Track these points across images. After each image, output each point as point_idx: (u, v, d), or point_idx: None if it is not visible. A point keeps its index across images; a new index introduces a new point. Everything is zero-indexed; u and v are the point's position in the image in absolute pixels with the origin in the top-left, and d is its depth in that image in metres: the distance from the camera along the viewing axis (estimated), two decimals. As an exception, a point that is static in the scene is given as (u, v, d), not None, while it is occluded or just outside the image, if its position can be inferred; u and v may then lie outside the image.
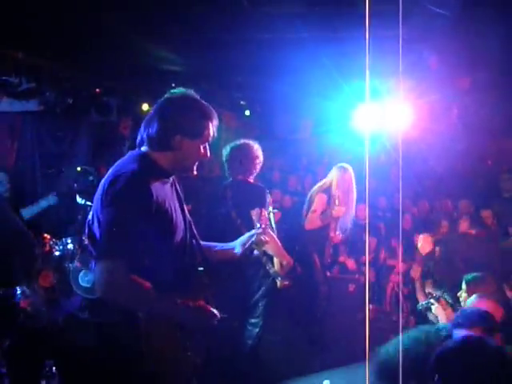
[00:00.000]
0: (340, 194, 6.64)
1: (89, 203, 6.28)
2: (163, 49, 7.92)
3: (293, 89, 8.35)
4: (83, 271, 5.67)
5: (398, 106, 6.13)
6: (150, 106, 9.84)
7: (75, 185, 6.54)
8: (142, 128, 3.07)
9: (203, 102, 3.11)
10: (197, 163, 3.09)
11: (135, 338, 2.75)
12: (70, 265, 5.70)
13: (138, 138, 3.09)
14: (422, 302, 5.31)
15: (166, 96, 3.09)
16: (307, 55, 6.77)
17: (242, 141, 5.44)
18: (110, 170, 2.96)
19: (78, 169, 8.00)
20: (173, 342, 2.87)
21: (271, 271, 5.35)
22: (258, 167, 5.43)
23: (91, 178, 7.75)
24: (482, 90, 8.18)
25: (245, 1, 5.99)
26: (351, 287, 7.01)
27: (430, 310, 4.71)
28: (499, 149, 9.73)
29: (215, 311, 2.98)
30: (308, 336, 6.81)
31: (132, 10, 6.27)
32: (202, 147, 3.03)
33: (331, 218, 6.63)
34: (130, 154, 3.09)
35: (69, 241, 5.87)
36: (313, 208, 6.69)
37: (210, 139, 3.08)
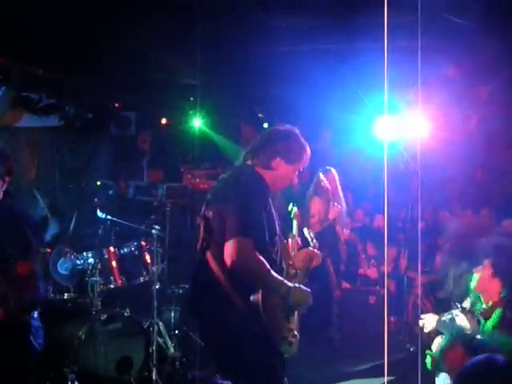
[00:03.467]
0: (328, 193, 6.85)
1: (109, 217, 6.31)
2: (181, 63, 7.96)
3: (311, 100, 8.36)
4: (62, 259, 5.77)
5: (417, 117, 6.11)
6: (168, 120, 9.92)
7: (95, 199, 6.57)
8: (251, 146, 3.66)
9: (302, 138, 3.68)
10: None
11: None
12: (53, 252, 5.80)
13: (243, 153, 3.67)
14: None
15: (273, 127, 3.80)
16: (325, 67, 6.77)
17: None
18: (228, 175, 3.56)
19: (98, 183, 8.06)
20: (279, 313, 3.35)
21: None
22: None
23: (111, 191, 7.80)
24: (501, 101, 8.13)
25: (263, 13, 6.02)
26: (372, 299, 6.96)
27: (454, 320, 4.65)
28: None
29: (309, 291, 3.43)
30: (327, 345, 6.80)
31: (150, 24, 6.32)
32: (294, 173, 3.63)
33: (329, 221, 6.79)
34: (236, 165, 3.69)
35: (89, 255, 5.89)
36: (312, 213, 6.87)
37: (301, 168, 3.67)
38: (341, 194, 7.16)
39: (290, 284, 3.37)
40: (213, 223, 3.42)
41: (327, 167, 7.22)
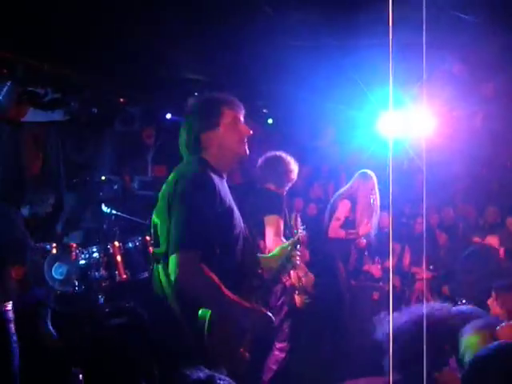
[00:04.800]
0: (363, 202, 6.57)
1: (114, 212, 6.33)
2: (185, 58, 7.96)
3: (315, 96, 8.35)
4: (57, 263, 5.73)
5: (422, 113, 6.10)
6: (172, 115, 9.92)
7: (100, 194, 6.59)
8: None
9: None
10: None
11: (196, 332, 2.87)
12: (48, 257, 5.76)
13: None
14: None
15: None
16: (329, 62, 6.78)
17: (279, 153, 5.42)
18: (171, 175, 3.17)
19: (103, 178, 8.07)
20: (229, 336, 2.97)
21: (287, 283, 5.09)
22: (291, 181, 5.38)
23: (116, 186, 7.82)
24: (506, 97, 8.11)
25: (268, 9, 6.01)
26: (375, 295, 6.95)
27: None
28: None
29: (270, 314, 3.08)
30: (333, 346, 6.75)
31: (155, 20, 6.32)
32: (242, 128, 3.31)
33: (358, 235, 6.56)
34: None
35: (94, 249, 5.91)
36: (336, 215, 6.61)
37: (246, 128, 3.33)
38: (376, 203, 6.73)
39: (246, 305, 3.01)
40: (160, 231, 3.07)
41: (368, 172, 6.78)
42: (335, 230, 6.56)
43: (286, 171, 5.29)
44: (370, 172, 6.70)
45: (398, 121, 5.97)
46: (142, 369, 2.87)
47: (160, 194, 3.17)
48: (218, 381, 1.94)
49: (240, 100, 3.47)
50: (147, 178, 9.28)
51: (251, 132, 3.32)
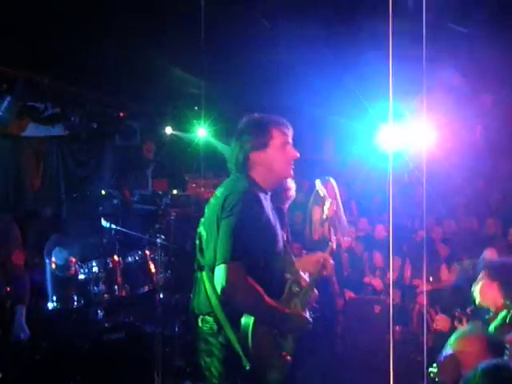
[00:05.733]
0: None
1: (113, 226, 6.31)
2: (186, 72, 7.98)
3: (316, 110, 8.36)
4: (58, 248, 5.70)
5: (422, 126, 6.10)
6: (173, 129, 9.93)
7: (100, 208, 6.58)
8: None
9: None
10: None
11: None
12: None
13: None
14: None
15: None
16: (330, 76, 6.78)
17: None
18: (219, 190, 3.31)
19: (103, 192, 8.07)
20: (271, 341, 3.15)
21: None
22: (290, 199, 5.44)
23: (116, 201, 7.80)
24: (505, 108, 8.12)
25: (265, 22, 6.03)
26: (377, 308, 6.93)
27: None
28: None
29: (309, 318, 3.28)
30: (332, 355, 6.74)
31: (155, 35, 6.35)
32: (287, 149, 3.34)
33: (328, 219, 6.72)
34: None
35: (94, 264, 5.88)
36: (314, 220, 6.85)
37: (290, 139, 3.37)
38: (340, 203, 7.07)
39: (286, 311, 3.18)
40: (207, 242, 3.22)
41: (326, 177, 7.16)
42: (315, 231, 6.73)
43: (284, 190, 5.36)
44: (327, 177, 6.99)
45: (398, 133, 5.96)
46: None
47: (207, 208, 3.33)
48: None
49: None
50: (147, 193, 9.27)
51: (298, 155, 3.39)
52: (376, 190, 9.52)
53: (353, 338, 6.96)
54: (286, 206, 5.43)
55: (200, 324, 3.23)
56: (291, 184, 5.41)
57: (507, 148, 8.87)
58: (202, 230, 3.31)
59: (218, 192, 3.29)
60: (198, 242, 3.33)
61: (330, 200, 6.72)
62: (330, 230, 4.14)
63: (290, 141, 3.38)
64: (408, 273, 8.11)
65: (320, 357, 6.65)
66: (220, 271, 3.02)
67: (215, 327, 3.14)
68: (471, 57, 6.33)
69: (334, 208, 6.79)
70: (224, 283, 2.99)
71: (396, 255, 8.01)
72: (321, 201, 6.92)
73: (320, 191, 6.89)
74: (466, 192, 9.36)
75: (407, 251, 8.24)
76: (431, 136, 6.38)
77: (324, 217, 6.72)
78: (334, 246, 3.85)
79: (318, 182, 6.97)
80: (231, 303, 3.06)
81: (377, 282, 7.07)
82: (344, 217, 7.08)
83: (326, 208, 6.69)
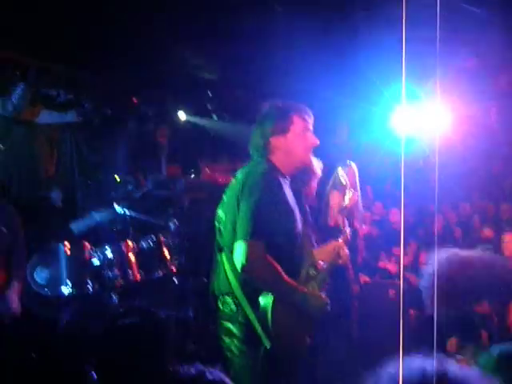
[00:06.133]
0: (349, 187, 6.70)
1: (127, 211, 6.32)
2: (200, 57, 7.96)
3: (328, 94, 8.30)
4: (39, 267, 5.72)
5: (436, 109, 6.05)
6: (186, 114, 9.92)
7: (113, 193, 6.60)
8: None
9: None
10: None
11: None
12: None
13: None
14: None
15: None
16: (343, 58, 6.74)
17: None
18: (239, 173, 3.41)
19: (117, 178, 8.08)
20: (289, 320, 3.22)
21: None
22: (315, 177, 5.46)
23: (130, 187, 7.82)
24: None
25: (277, 6, 5.99)
26: (391, 292, 6.92)
27: None
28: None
29: (327, 299, 3.34)
30: (347, 342, 6.74)
31: (169, 20, 6.32)
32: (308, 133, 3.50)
33: (348, 209, 6.65)
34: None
35: (107, 248, 5.90)
36: (331, 206, 6.78)
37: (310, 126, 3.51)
38: (359, 190, 6.98)
39: (305, 290, 3.26)
40: (226, 224, 3.31)
41: (348, 161, 7.04)
42: (332, 217, 6.66)
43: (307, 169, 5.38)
44: (349, 161, 6.85)
45: (412, 117, 5.92)
46: (153, 367, 2.90)
47: (227, 191, 3.42)
48: (209, 375, 1.97)
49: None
50: (161, 178, 9.27)
51: (318, 142, 3.53)
52: (391, 175, 9.48)
53: (367, 321, 6.96)
54: (312, 187, 5.42)
55: (220, 305, 3.29)
56: (315, 162, 5.39)
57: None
58: (221, 212, 3.39)
59: (239, 175, 3.38)
60: (217, 223, 3.42)
61: (353, 190, 6.63)
62: (344, 218, 4.13)
63: (311, 128, 3.50)
64: (423, 257, 8.09)
65: (337, 342, 6.67)
66: (240, 248, 3.10)
67: (234, 307, 3.21)
68: (486, 38, 6.25)
69: (356, 198, 6.71)
70: (244, 260, 3.07)
71: (411, 240, 7.99)
72: (341, 188, 6.78)
73: (342, 178, 6.78)
74: (480, 175, 9.30)
75: (423, 236, 8.22)
76: (445, 119, 6.34)
77: (344, 205, 6.64)
78: (349, 236, 3.88)
79: (340, 170, 6.84)
80: (251, 281, 3.14)
81: (391, 266, 7.04)
82: (361, 203, 7.03)
83: (347, 198, 6.60)
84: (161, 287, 6.19)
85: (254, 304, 3.16)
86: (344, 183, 6.68)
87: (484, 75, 7.31)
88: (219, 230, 3.38)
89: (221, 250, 3.34)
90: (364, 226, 7.12)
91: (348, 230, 3.92)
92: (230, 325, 3.23)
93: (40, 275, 5.70)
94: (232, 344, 3.22)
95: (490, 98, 8.19)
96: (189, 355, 5.93)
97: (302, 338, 3.31)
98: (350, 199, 6.63)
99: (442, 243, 7.66)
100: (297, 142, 3.44)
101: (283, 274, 3.15)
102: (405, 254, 7.36)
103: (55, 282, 5.70)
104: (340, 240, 3.76)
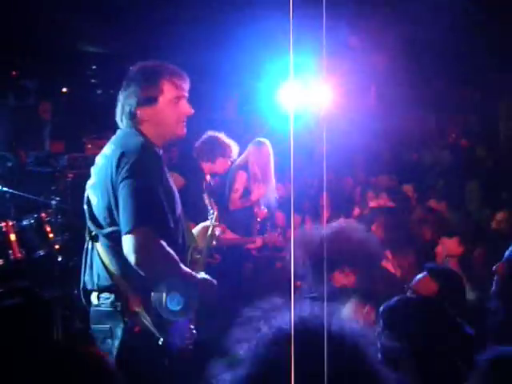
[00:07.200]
0: (258, 170, 6.59)
1: (5, 189, 6.10)
2: (83, 29, 7.70)
3: (217, 67, 8.27)
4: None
5: (321, 84, 6.16)
6: (69, 88, 9.63)
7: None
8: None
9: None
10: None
11: None
12: None
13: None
14: None
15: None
16: (229, 32, 6.72)
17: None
18: (109, 148, 3.00)
19: (-4, 155, 7.74)
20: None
21: None
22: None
23: (9, 163, 7.51)
24: (398, 68, 8.34)
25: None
26: (278, 264, 7.04)
27: None
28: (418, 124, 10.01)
29: (215, 281, 3.05)
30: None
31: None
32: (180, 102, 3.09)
33: (252, 201, 6.59)
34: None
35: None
36: (234, 187, 6.60)
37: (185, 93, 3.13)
38: (271, 171, 6.74)
39: (197, 276, 2.98)
40: (99, 208, 2.93)
41: (261, 140, 6.81)
42: (234, 202, 6.57)
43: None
44: (263, 140, 6.74)
45: (299, 92, 5.99)
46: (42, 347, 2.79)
47: (95, 169, 3.04)
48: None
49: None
50: (43, 154, 8.96)
51: (192, 111, 3.11)
52: (278, 151, 9.61)
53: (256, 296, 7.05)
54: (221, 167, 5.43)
55: (96, 301, 2.95)
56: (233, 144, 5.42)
57: (401, 109, 9.18)
58: (91, 194, 3.02)
59: (108, 151, 3.00)
60: (86, 207, 3.04)
61: (263, 188, 6.46)
62: (211, 199, 3.90)
63: (186, 94, 3.10)
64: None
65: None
66: (129, 241, 2.73)
67: (118, 303, 2.86)
68: (365, 16, 6.43)
69: (263, 192, 6.55)
70: (137, 253, 2.71)
71: (296, 213, 8.14)
72: (250, 168, 6.58)
73: (253, 157, 6.53)
74: (363, 150, 9.64)
75: (307, 209, 8.41)
76: (329, 94, 6.47)
77: (251, 198, 6.50)
78: (217, 217, 3.59)
79: (251, 146, 6.66)
80: (148, 271, 2.78)
81: (277, 239, 7.14)
82: (273, 185, 6.78)
83: (255, 190, 6.46)
84: (44, 266, 6.01)
85: (146, 298, 2.84)
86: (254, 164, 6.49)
87: (365, 53, 7.53)
88: (91, 215, 2.98)
89: (94, 238, 2.95)
90: (263, 208, 6.89)
91: (215, 213, 3.60)
92: (109, 324, 2.89)
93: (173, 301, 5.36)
94: (113, 346, 2.87)
95: (371, 75, 8.46)
96: (74, 333, 5.83)
97: (190, 331, 3.11)
98: (256, 192, 6.51)
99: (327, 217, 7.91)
100: (167, 112, 3.02)
101: (178, 260, 2.84)
102: (288, 226, 7.47)
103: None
104: (212, 221, 3.51)
